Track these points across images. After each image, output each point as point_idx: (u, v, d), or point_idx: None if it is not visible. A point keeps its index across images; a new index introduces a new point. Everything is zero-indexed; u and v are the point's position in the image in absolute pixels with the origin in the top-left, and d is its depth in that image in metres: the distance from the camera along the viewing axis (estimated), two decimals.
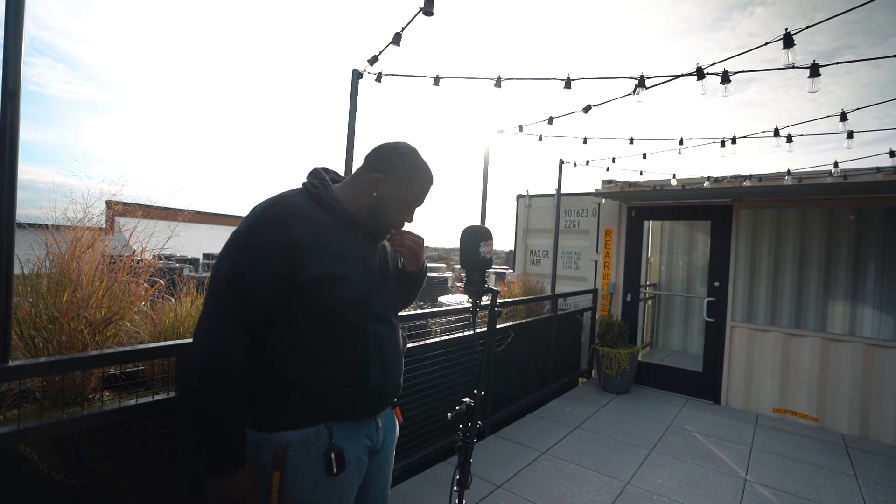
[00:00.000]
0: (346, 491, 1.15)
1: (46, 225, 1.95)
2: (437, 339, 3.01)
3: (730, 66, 2.59)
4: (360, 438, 1.19)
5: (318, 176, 1.23)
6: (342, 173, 1.37)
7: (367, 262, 1.21)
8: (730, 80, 2.61)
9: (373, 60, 2.76)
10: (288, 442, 1.07)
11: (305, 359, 1.10)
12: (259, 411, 1.09)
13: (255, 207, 1.12)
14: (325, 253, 1.10)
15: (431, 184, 1.28)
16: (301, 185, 1.22)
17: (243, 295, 1.04)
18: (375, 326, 1.19)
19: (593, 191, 5.48)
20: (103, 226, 2.20)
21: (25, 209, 1.52)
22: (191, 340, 1.73)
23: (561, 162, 5.16)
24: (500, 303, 2.77)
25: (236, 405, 1.04)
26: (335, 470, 1.08)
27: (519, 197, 6.47)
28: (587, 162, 5.25)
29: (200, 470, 0.97)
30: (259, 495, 1.08)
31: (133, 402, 1.61)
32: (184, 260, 10.13)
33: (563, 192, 5.35)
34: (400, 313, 1.41)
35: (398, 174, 1.21)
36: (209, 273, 1.08)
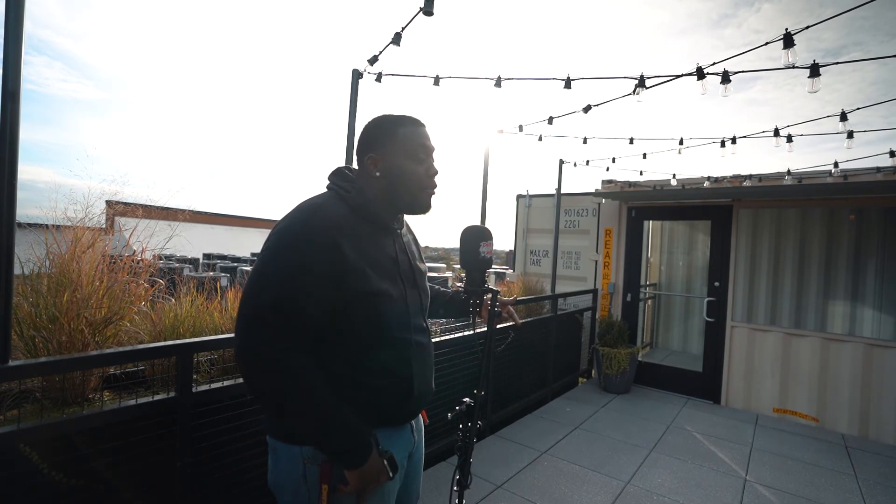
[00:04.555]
0: (388, 496, 1.15)
1: (46, 225, 1.95)
2: (437, 339, 3.01)
3: (733, 65, 2.58)
4: (401, 443, 1.20)
5: (345, 178, 1.17)
6: None
7: (400, 269, 1.18)
8: (730, 80, 2.61)
9: (373, 60, 2.76)
10: None
11: (351, 374, 1.08)
12: None
13: (291, 221, 1.05)
14: (369, 268, 1.07)
15: (421, 125, 1.21)
16: (330, 190, 1.16)
17: (292, 318, 0.98)
18: (416, 336, 1.18)
19: (593, 191, 5.47)
20: (103, 226, 2.20)
21: (25, 209, 1.52)
22: (191, 340, 1.75)
23: (561, 162, 5.16)
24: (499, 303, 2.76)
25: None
26: (391, 475, 1.06)
27: (519, 197, 6.47)
28: (587, 162, 5.25)
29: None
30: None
31: (133, 402, 1.61)
32: (184, 260, 10.12)
33: (563, 192, 5.35)
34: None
35: (384, 138, 1.16)
36: (246, 282, 1.04)
